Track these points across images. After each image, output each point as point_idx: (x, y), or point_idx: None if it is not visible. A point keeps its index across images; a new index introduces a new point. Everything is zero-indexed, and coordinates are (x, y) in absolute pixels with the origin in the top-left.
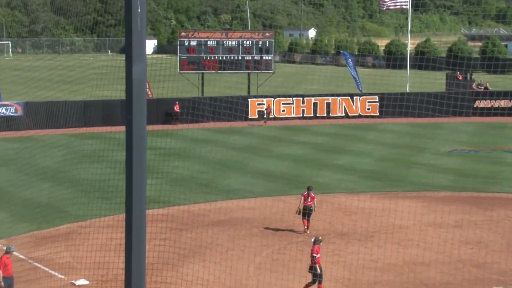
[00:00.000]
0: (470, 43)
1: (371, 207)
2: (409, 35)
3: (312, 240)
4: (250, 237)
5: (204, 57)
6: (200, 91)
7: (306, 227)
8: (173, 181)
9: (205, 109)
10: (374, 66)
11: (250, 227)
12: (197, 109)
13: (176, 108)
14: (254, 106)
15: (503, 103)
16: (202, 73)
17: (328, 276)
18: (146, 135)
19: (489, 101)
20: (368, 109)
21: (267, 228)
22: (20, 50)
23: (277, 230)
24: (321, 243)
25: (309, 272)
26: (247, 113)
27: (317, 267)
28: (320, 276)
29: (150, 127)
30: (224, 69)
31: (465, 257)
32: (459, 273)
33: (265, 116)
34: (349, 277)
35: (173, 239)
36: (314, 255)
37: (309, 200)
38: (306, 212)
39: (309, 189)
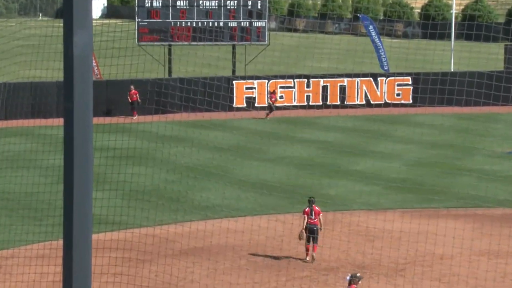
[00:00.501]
0: None
1: (402, 230)
2: None
3: (347, 278)
4: (237, 271)
5: (172, 24)
6: (167, 71)
7: (310, 253)
8: (131, 194)
9: (175, 95)
10: (406, 35)
11: (236, 258)
12: (163, 95)
13: (133, 94)
14: (241, 91)
15: None
16: (170, 46)
17: None
18: (93, 131)
19: None
20: (398, 94)
21: (259, 259)
22: None
23: (273, 260)
24: (359, 282)
25: None
26: (231, 100)
27: None
28: None
29: (97, 120)
30: (200, 40)
31: None
32: None
33: (270, 106)
34: None
35: (131, 274)
36: None
37: (313, 217)
38: (310, 235)
39: (311, 202)
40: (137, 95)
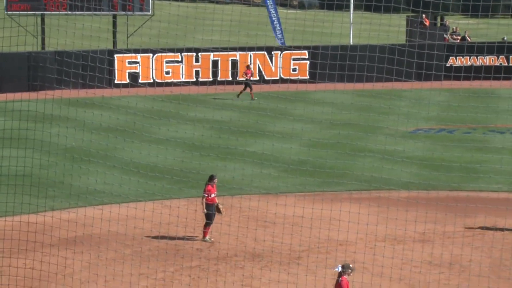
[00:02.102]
0: None
1: (301, 215)
2: None
3: (338, 268)
4: (121, 261)
5: None
6: (40, 43)
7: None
8: (1, 179)
9: (50, 69)
10: (302, 6)
11: (120, 247)
12: (37, 70)
13: None
14: (123, 65)
15: (487, 60)
16: (43, 15)
17: None
18: None
19: (468, 57)
20: (294, 69)
21: (145, 248)
22: None
23: (160, 249)
24: (351, 273)
25: None
26: (112, 74)
27: None
28: None
29: None
30: (77, 9)
31: (434, 285)
32: None
33: (247, 84)
34: None
35: (2, 267)
36: None
37: (214, 195)
38: (212, 214)
39: (212, 179)
40: None
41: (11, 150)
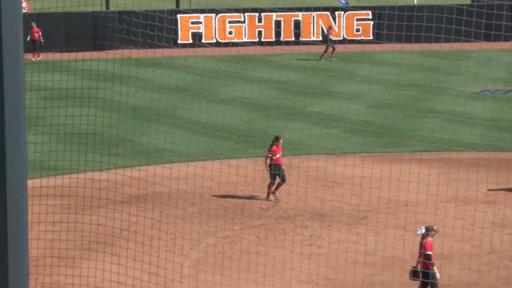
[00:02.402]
0: None
1: (364, 175)
2: None
3: (421, 230)
4: (186, 219)
5: None
6: (104, 3)
7: (273, 193)
8: (68, 137)
9: (114, 29)
10: None
11: (185, 205)
12: (101, 30)
13: (35, 32)
14: (187, 26)
15: None
16: None
17: (303, 275)
18: (24, 70)
19: None
20: (357, 30)
21: (210, 206)
22: None
23: (226, 208)
24: (435, 235)
25: (414, 279)
26: (176, 35)
27: (435, 273)
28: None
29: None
30: None
31: (501, 246)
32: (493, 270)
33: (328, 44)
34: (332, 277)
35: (69, 223)
36: (428, 252)
37: (279, 155)
38: (277, 174)
39: (278, 139)
40: (40, 34)
41: (81, 109)
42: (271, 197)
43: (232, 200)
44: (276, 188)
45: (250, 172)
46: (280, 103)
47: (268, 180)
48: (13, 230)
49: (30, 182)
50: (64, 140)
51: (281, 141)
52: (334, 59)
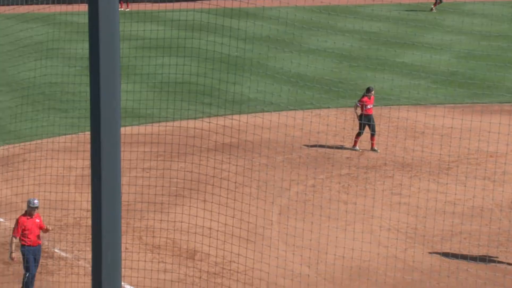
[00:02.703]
0: None
1: (450, 126)
2: None
3: None
4: (272, 167)
5: None
6: None
7: (372, 148)
8: (160, 86)
9: None
10: None
11: (271, 154)
12: None
13: None
14: None
15: None
16: None
17: (388, 223)
18: (119, 21)
19: None
20: None
21: (296, 155)
22: None
23: (311, 157)
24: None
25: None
26: None
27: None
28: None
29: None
30: None
31: None
32: None
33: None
34: (416, 226)
35: (160, 170)
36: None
37: (370, 106)
38: (367, 124)
39: (369, 90)
40: None
41: (169, 59)
42: (357, 146)
43: (319, 149)
44: (372, 142)
45: (338, 122)
46: (370, 53)
47: (356, 130)
48: (106, 173)
49: (122, 130)
50: (156, 89)
51: (373, 92)
52: (435, 11)
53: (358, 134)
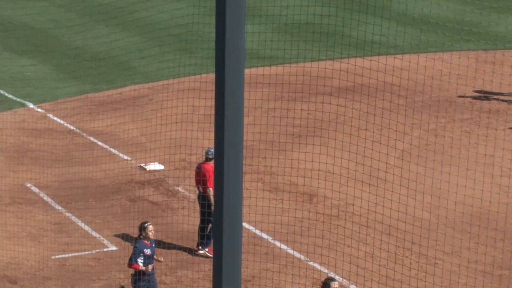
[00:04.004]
0: None
1: None
2: None
3: None
4: (393, 111)
5: None
6: None
7: None
8: (284, 28)
9: None
10: None
11: (394, 97)
12: None
13: None
14: None
15: None
16: None
17: (509, 170)
18: None
19: None
20: None
21: (418, 98)
22: None
23: (433, 102)
24: None
25: None
26: None
27: None
28: None
29: None
30: None
31: None
32: None
33: None
34: None
35: (281, 110)
36: None
37: None
38: None
39: None
40: None
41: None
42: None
43: (440, 93)
44: None
45: (456, 66)
46: None
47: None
48: (229, 111)
49: (246, 71)
50: (279, 30)
51: None
52: None
53: None
